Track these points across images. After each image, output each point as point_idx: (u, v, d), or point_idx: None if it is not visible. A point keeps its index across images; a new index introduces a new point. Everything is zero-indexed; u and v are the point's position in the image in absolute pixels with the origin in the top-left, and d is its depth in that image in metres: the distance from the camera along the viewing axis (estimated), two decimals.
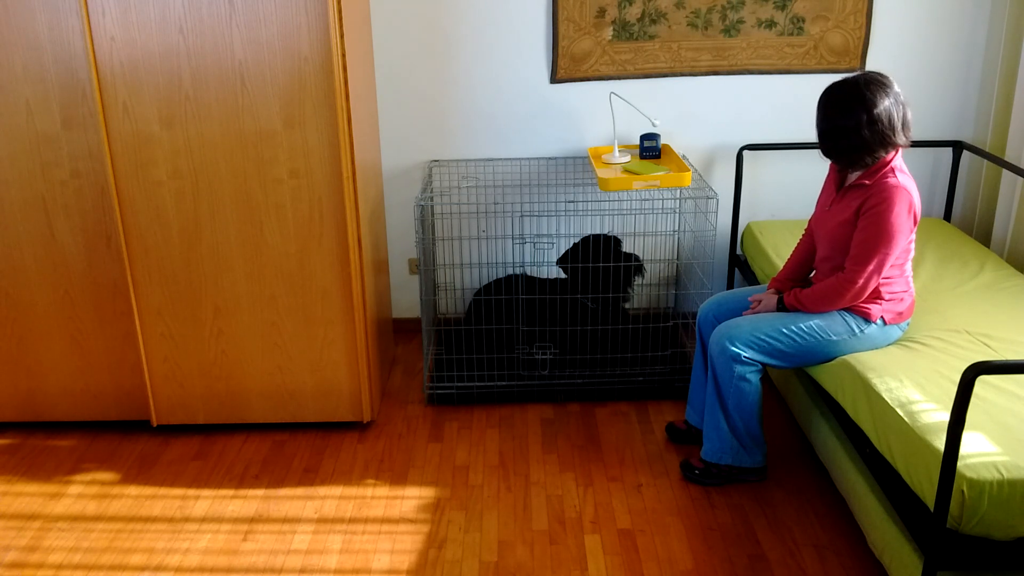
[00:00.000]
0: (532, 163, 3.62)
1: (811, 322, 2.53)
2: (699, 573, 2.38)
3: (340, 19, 2.63)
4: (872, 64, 3.50)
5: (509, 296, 3.43)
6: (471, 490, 2.76)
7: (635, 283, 3.47)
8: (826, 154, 2.48)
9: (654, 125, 3.33)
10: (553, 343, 3.38)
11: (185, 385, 3.02)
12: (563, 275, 3.47)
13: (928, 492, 1.99)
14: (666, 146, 3.43)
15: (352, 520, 2.63)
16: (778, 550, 2.47)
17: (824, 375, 2.55)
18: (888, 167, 2.41)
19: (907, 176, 2.43)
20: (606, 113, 3.51)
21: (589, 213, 3.64)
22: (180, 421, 3.07)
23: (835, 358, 2.52)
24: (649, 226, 3.64)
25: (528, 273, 3.61)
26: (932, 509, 1.95)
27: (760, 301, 2.71)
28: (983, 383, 2.22)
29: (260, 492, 2.78)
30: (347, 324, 2.94)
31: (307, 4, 2.58)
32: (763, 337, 2.55)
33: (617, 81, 3.51)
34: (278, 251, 2.86)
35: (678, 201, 3.55)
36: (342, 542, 2.54)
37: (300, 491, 2.78)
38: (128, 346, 3.01)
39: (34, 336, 3.01)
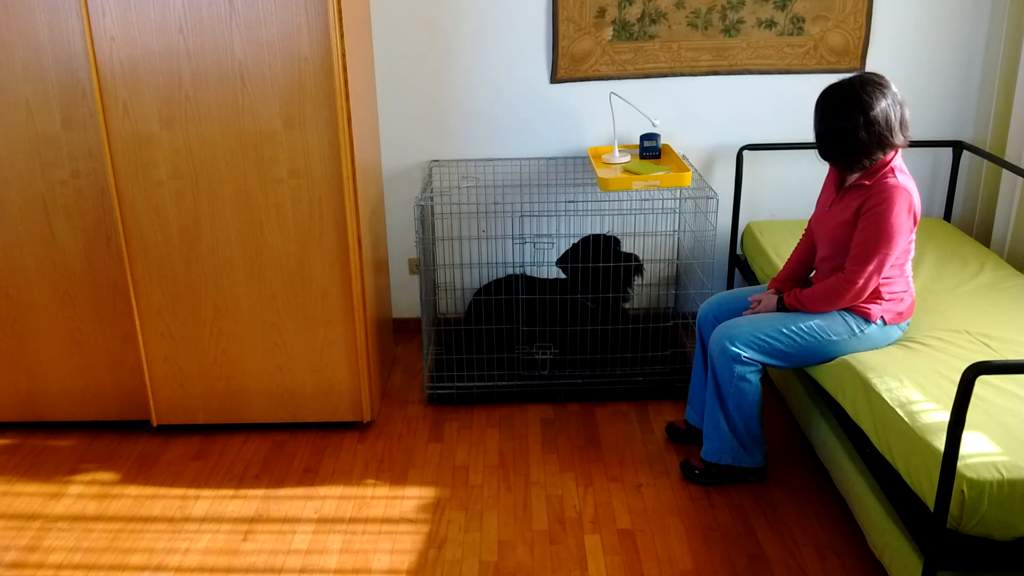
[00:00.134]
0: (532, 163, 3.62)
1: (811, 322, 2.53)
2: (699, 573, 2.38)
3: (340, 19, 2.63)
4: (872, 64, 3.50)
5: (509, 296, 3.43)
6: (471, 490, 2.76)
7: (635, 283, 3.47)
8: (824, 156, 2.48)
9: (654, 125, 3.33)
10: (553, 343, 3.38)
11: (185, 385, 3.02)
12: (563, 275, 3.47)
13: (928, 492, 1.99)
14: (666, 146, 3.43)
15: (352, 520, 2.63)
16: (778, 550, 2.47)
17: (824, 375, 2.55)
18: (888, 167, 2.41)
19: (907, 176, 2.43)
20: (606, 113, 3.51)
21: (589, 213, 3.64)
22: (180, 421, 3.07)
23: (835, 358, 2.52)
24: (649, 226, 3.64)
25: (528, 273, 3.61)
26: (932, 509, 1.95)
27: (760, 301, 2.71)
28: (983, 383, 2.22)
29: (260, 492, 2.78)
30: (347, 324, 2.94)
31: (307, 4, 2.58)
32: (763, 337, 2.55)
33: (617, 81, 3.51)
34: (278, 251, 2.86)
35: (678, 201, 3.55)
36: (342, 542, 2.54)
37: (300, 491, 2.78)
38: (128, 346, 3.01)
39: (34, 336, 3.01)
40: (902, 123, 2.38)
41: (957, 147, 3.55)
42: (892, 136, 2.37)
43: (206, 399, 3.04)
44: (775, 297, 2.67)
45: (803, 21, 3.43)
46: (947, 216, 3.63)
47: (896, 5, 3.43)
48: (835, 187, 2.58)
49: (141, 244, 2.85)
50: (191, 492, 2.78)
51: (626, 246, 3.61)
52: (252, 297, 2.91)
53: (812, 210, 2.92)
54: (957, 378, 1.90)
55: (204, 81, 2.66)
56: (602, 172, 3.20)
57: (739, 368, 2.57)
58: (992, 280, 2.92)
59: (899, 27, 3.46)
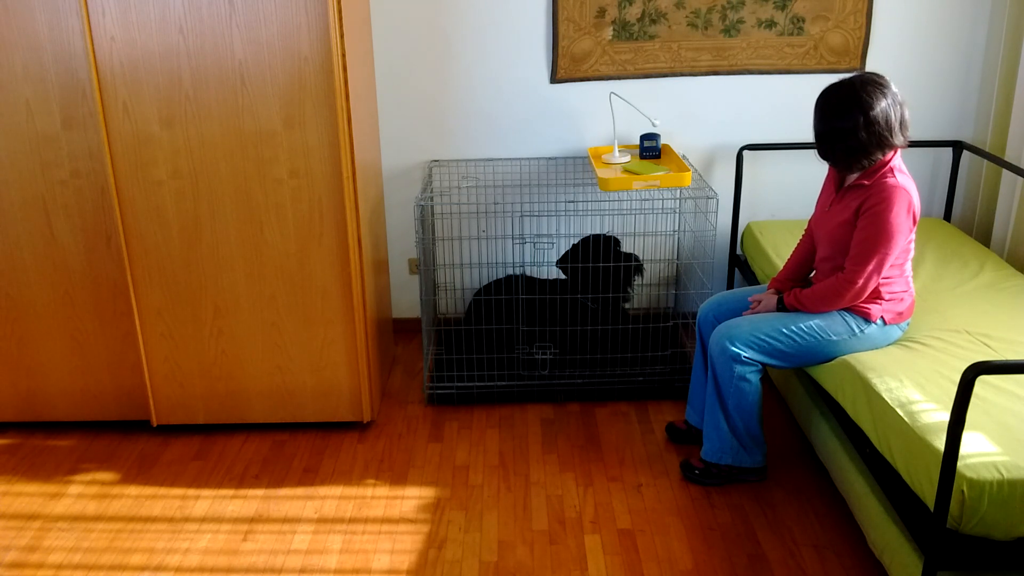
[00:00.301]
0: (532, 163, 3.62)
1: (811, 322, 2.53)
2: (699, 573, 2.38)
3: (340, 19, 2.63)
4: (872, 64, 3.50)
5: (509, 296, 3.43)
6: (471, 490, 2.76)
7: (635, 283, 3.47)
8: (823, 156, 2.48)
9: (654, 125, 3.33)
10: (553, 343, 3.38)
11: (185, 385, 3.02)
12: (563, 276, 3.47)
13: (928, 492, 1.99)
14: (666, 146, 3.43)
15: (352, 520, 2.63)
16: (778, 550, 2.47)
17: (824, 375, 2.55)
18: (887, 167, 2.41)
19: (906, 176, 2.43)
20: (606, 113, 3.51)
21: (589, 213, 3.64)
22: (180, 421, 3.07)
23: (835, 358, 2.52)
24: (649, 226, 3.64)
25: (528, 273, 3.61)
26: (932, 509, 1.95)
27: (760, 301, 2.71)
28: (983, 383, 2.22)
29: (260, 492, 2.78)
30: (347, 324, 2.94)
31: (307, 4, 2.58)
32: (763, 337, 2.55)
33: (617, 81, 3.51)
34: (278, 251, 2.86)
35: (678, 201, 3.55)
36: (342, 542, 2.54)
37: (300, 491, 2.78)
38: (128, 346, 3.01)
39: (34, 336, 3.01)
40: (902, 123, 2.38)
41: (957, 147, 3.55)
42: (892, 136, 2.37)
43: (206, 399, 3.04)
44: (775, 297, 2.67)
45: (803, 21, 3.43)
46: (947, 216, 3.63)
47: (896, 5, 3.43)
48: (835, 187, 2.58)
49: (141, 244, 2.85)
50: (191, 492, 2.78)
51: (626, 246, 3.61)
52: (252, 297, 2.91)
53: (812, 210, 2.92)
54: (957, 378, 1.90)
55: (204, 81, 2.66)
56: (602, 172, 3.20)
57: (739, 368, 2.57)
58: (992, 280, 2.92)
59: (899, 27, 3.46)
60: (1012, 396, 2.20)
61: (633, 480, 2.79)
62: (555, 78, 3.50)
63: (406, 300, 3.82)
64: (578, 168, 3.62)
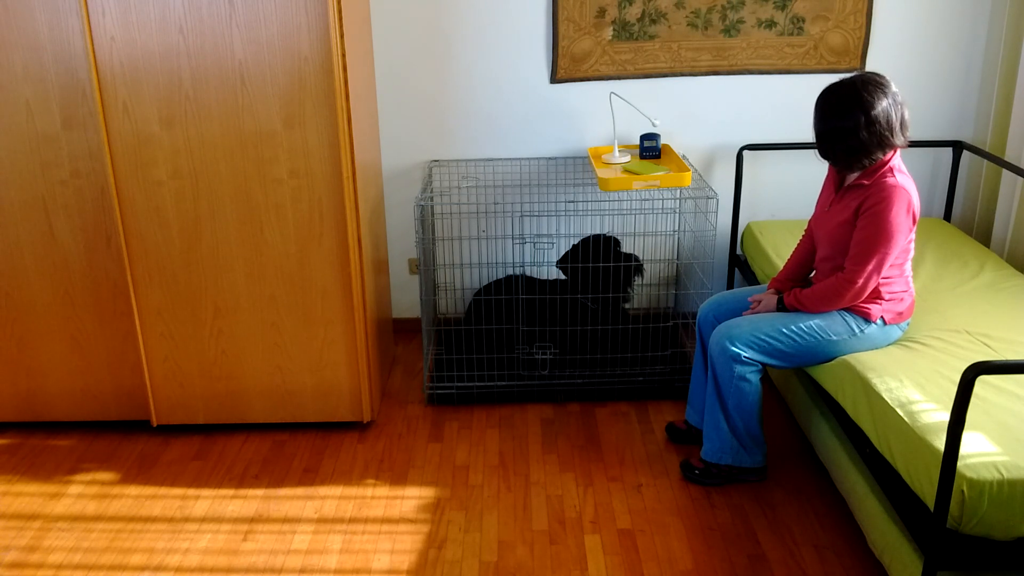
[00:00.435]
0: (532, 163, 3.62)
1: (811, 322, 2.53)
2: (699, 573, 2.38)
3: (340, 19, 2.63)
4: (872, 64, 3.50)
5: (509, 296, 3.43)
6: (471, 490, 2.76)
7: (635, 283, 3.47)
8: (823, 156, 2.48)
9: (654, 125, 3.33)
10: (553, 343, 3.38)
11: (185, 385, 3.02)
12: (563, 276, 3.47)
13: (928, 492, 1.99)
14: (666, 146, 3.43)
15: (352, 520, 2.63)
16: (778, 550, 2.47)
17: (824, 375, 2.55)
18: (887, 167, 2.41)
19: (906, 176, 2.43)
20: (606, 113, 3.51)
21: (589, 213, 3.64)
22: (180, 421, 3.07)
23: (835, 358, 2.52)
24: (649, 226, 3.64)
25: (528, 273, 3.61)
26: (932, 509, 1.95)
27: (760, 301, 2.71)
28: (983, 383, 2.22)
29: (260, 492, 2.78)
30: (347, 324, 2.94)
31: (307, 4, 2.58)
32: (763, 337, 2.55)
33: (617, 81, 3.51)
34: (278, 251, 2.86)
35: (678, 201, 3.55)
36: (342, 542, 2.54)
37: (300, 491, 2.78)
38: (128, 346, 3.01)
39: (34, 336, 3.01)
40: (902, 123, 2.39)
41: (957, 147, 3.55)
42: (893, 136, 2.37)
43: (206, 399, 3.04)
44: (775, 297, 2.67)
45: (803, 21, 3.43)
46: (947, 216, 3.63)
47: (896, 5, 3.43)
48: (834, 187, 2.58)
49: (141, 244, 2.85)
50: (191, 492, 2.78)
51: (626, 246, 3.61)
52: (252, 297, 2.91)
53: (812, 210, 2.92)
54: (957, 378, 1.90)
55: (204, 81, 2.66)
56: (602, 172, 3.20)
57: (739, 368, 2.57)
58: (992, 280, 2.92)
59: (899, 27, 3.46)
60: (1012, 396, 2.20)
61: (633, 480, 2.79)
62: (555, 78, 3.50)
63: (406, 300, 3.82)
64: (578, 168, 3.62)
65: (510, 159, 3.62)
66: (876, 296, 2.51)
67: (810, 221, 2.74)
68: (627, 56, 3.47)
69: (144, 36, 2.61)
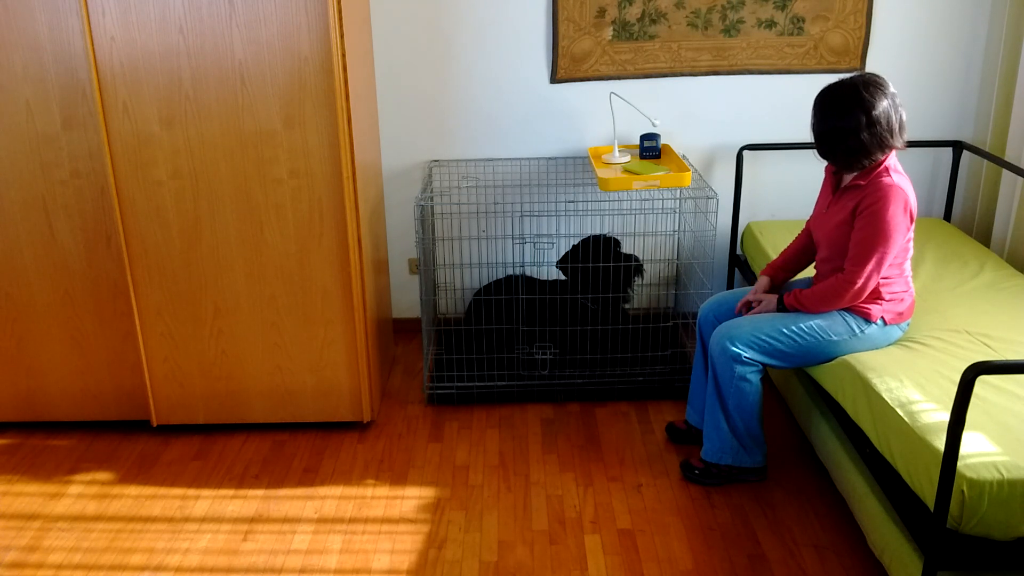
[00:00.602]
0: (532, 163, 3.62)
1: (811, 322, 2.53)
2: (699, 573, 2.38)
3: (340, 19, 2.63)
4: (872, 64, 3.50)
5: (509, 296, 3.43)
6: (471, 490, 2.76)
7: (635, 284, 3.47)
8: (823, 156, 2.48)
9: (654, 125, 3.33)
10: (553, 343, 3.38)
11: (185, 385, 3.02)
12: (563, 276, 3.47)
13: (928, 492, 1.99)
14: (666, 146, 3.43)
15: (352, 520, 2.63)
16: (778, 550, 2.47)
17: (824, 375, 2.55)
18: (882, 167, 2.42)
19: (902, 175, 2.43)
20: (606, 113, 3.51)
21: (589, 213, 3.64)
22: (180, 421, 3.07)
23: (835, 358, 2.52)
24: (649, 226, 3.64)
25: (528, 273, 3.61)
26: (932, 509, 1.95)
27: (760, 301, 2.71)
28: (983, 383, 2.23)
29: (260, 492, 2.78)
30: (347, 324, 2.94)
31: (307, 4, 2.58)
32: (763, 337, 2.55)
33: (617, 81, 3.51)
34: (278, 251, 2.86)
35: (678, 201, 3.55)
36: (342, 542, 2.54)
37: (300, 491, 2.78)
38: (128, 346, 3.01)
39: (34, 336, 3.01)
40: (901, 125, 2.39)
41: (957, 147, 3.55)
42: (893, 137, 2.38)
43: (206, 399, 3.04)
44: (775, 297, 2.67)
45: (803, 21, 3.43)
46: (947, 216, 3.63)
47: (896, 5, 3.43)
48: (831, 188, 2.59)
49: (141, 244, 2.85)
50: (191, 492, 2.78)
51: (626, 246, 3.61)
52: (252, 297, 2.91)
53: (812, 210, 2.92)
54: (957, 378, 1.90)
55: (204, 81, 2.66)
56: (602, 172, 3.20)
57: (739, 368, 2.57)
58: (992, 280, 2.92)
59: (899, 27, 3.46)
60: (1012, 396, 2.20)
61: (633, 480, 2.79)
62: (555, 78, 3.50)
63: (406, 300, 3.82)
64: (578, 168, 3.62)
65: (510, 159, 3.62)
66: (876, 296, 2.51)
67: (809, 220, 2.74)
68: (627, 56, 3.47)
69: (144, 36, 2.61)
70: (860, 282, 2.43)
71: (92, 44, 2.62)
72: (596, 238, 3.37)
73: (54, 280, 2.94)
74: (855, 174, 2.47)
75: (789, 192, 3.69)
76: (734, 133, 3.61)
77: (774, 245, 3.28)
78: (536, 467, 2.87)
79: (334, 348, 2.97)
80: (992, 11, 3.43)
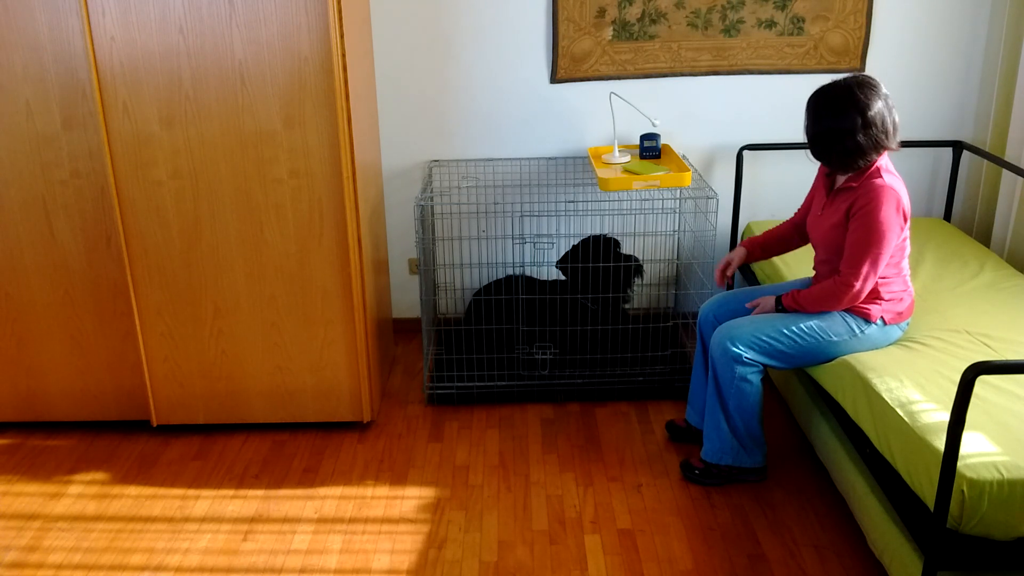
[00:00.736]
0: (532, 163, 3.62)
1: (812, 323, 2.53)
2: (699, 573, 2.38)
3: (340, 19, 2.63)
4: (872, 64, 3.50)
5: (509, 296, 3.43)
6: (471, 490, 2.76)
7: (635, 284, 3.47)
8: (817, 157, 2.48)
9: (654, 125, 3.33)
10: (553, 343, 3.37)
11: (185, 385, 3.02)
12: (563, 276, 3.47)
13: (928, 492, 1.99)
14: (666, 146, 3.43)
15: (352, 520, 2.63)
16: (778, 550, 2.47)
17: (824, 375, 2.55)
18: (874, 168, 2.42)
19: (893, 175, 2.43)
20: (606, 113, 3.51)
21: (589, 213, 3.64)
22: (180, 421, 3.07)
23: (836, 358, 2.52)
24: (649, 226, 3.64)
25: (528, 274, 3.61)
26: (932, 509, 1.95)
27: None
28: (983, 383, 2.22)
29: (260, 492, 2.78)
30: (347, 324, 2.94)
31: (307, 4, 2.58)
32: (764, 338, 2.55)
33: (617, 81, 3.51)
34: (278, 251, 2.86)
35: (678, 201, 3.55)
36: (342, 542, 2.54)
37: (300, 491, 2.78)
38: (128, 346, 3.01)
39: (34, 336, 3.01)
40: (895, 126, 2.40)
41: (957, 147, 3.55)
42: (888, 139, 2.38)
43: (206, 399, 3.04)
44: (772, 298, 2.67)
45: (803, 21, 3.43)
46: (947, 216, 3.63)
47: (896, 5, 3.43)
48: (826, 190, 2.59)
49: (141, 244, 2.85)
50: (191, 492, 2.78)
51: (626, 246, 3.61)
52: (252, 297, 2.91)
53: (800, 206, 2.95)
54: (957, 378, 1.90)
55: (204, 81, 2.66)
56: (602, 172, 3.20)
57: (740, 369, 2.57)
58: (992, 280, 2.92)
59: (899, 27, 3.46)
60: (1012, 396, 2.20)
61: (633, 480, 2.79)
62: (555, 78, 3.50)
63: (406, 300, 3.82)
64: (578, 168, 3.62)
65: (510, 159, 3.62)
66: (875, 297, 2.51)
67: (798, 213, 2.77)
68: (627, 56, 3.47)
69: (144, 36, 2.61)
70: (857, 284, 2.43)
71: (92, 44, 2.62)
72: (596, 238, 3.37)
73: (54, 280, 2.94)
74: (848, 176, 2.47)
75: (789, 192, 3.69)
76: (734, 133, 3.60)
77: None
78: (536, 467, 2.87)
79: (334, 348, 2.97)
80: (992, 11, 3.43)
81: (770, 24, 3.43)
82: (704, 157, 3.65)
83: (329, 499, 2.73)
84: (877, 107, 2.35)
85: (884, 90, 2.39)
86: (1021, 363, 1.95)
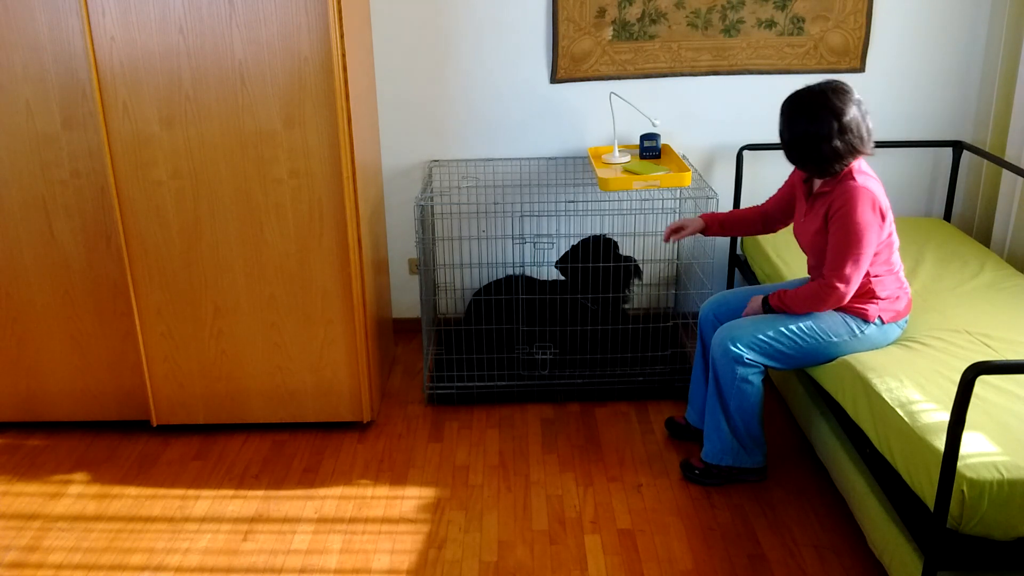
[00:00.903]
0: (532, 163, 3.62)
1: (812, 323, 2.53)
2: (699, 573, 2.38)
3: (340, 19, 2.63)
4: (872, 64, 3.50)
5: (509, 296, 3.43)
6: (471, 490, 2.76)
7: (633, 285, 3.46)
8: (793, 162, 2.49)
9: (654, 125, 3.33)
10: (553, 343, 3.37)
11: (185, 385, 3.02)
12: (562, 277, 3.47)
13: (928, 492, 1.99)
14: (666, 146, 3.43)
15: (352, 520, 2.63)
16: (778, 550, 2.47)
17: (824, 375, 2.55)
18: (847, 170, 2.43)
19: (867, 175, 2.44)
20: (606, 113, 3.51)
21: (589, 213, 3.64)
22: (180, 421, 3.07)
23: (836, 359, 2.52)
24: (649, 226, 3.64)
25: (528, 274, 3.61)
26: (932, 509, 1.95)
27: (680, 228, 2.83)
28: (983, 383, 2.23)
29: (260, 492, 2.78)
30: (347, 324, 2.94)
31: (307, 4, 2.58)
32: (764, 339, 2.55)
33: (617, 81, 3.51)
34: (278, 251, 2.86)
35: (678, 201, 3.55)
36: (342, 542, 2.54)
37: (300, 491, 2.78)
38: (128, 346, 3.01)
39: (34, 336, 3.01)
40: (868, 131, 2.41)
41: (957, 147, 3.55)
42: (863, 144, 2.39)
43: (206, 399, 3.04)
44: (760, 298, 2.67)
45: (803, 21, 3.43)
46: (947, 216, 3.63)
47: (896, 5, 3.43)
48: (804, 196, 2.60)
49: (141, 244, 2.85)
50: (191, 492, 2.78)
51: (626, 246, 3.61)
52: (252, 297, 2.91)
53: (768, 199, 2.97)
54: (957, 378, 1.90)
55: (204, 81, 2.66)
56: (602, 172, 3.20)
57: (741, 370, 2.57)
58: (992, 280, 2.92)
59: (899, 27, 3.46)
60: (1012, 396, 2.20)
61: (633, 480, 2.79)
62: (555, 78, 3.50)
63: (406, 300, 3.82)
64: (578, 168, 3.62)
65: (510, 159, 3.62)
66: (871, 296, 2.51)
67: (767, 201, 2.82)
68: (627, 56, 3.47)
69: (144, 36, 2.61)
70: (841, 286, 2.44)
71: (92, 44, 2.62)
72: (596, 239, 3.37)
73: (54, 280, 2.94)
74: (823, 181, 2.48)
75: None
76: (734, 133, 3.60)
77: (774, 245, 3.28)
78: (536, 467, 2.87)
79: (334, 348, 2.97)
80: (992, 11, 3.43)
81: (770, 24, 3.43)
82: (704, 157, 3.65)
83: (329, 499, 2.73)
84: (852, 112, 2.36)
85: (857, 96, 2.40)
86: (1021, 363, 1.95)
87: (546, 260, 3.63)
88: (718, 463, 2.71)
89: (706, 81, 3.53)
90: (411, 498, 2.73)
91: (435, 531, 2.57)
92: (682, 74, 3.51)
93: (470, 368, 3.36)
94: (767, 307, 2.62)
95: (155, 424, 3.07)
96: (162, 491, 2.79)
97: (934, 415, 2.10)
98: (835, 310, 2.55)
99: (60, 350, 3.02)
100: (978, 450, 1.96)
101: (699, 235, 3.36)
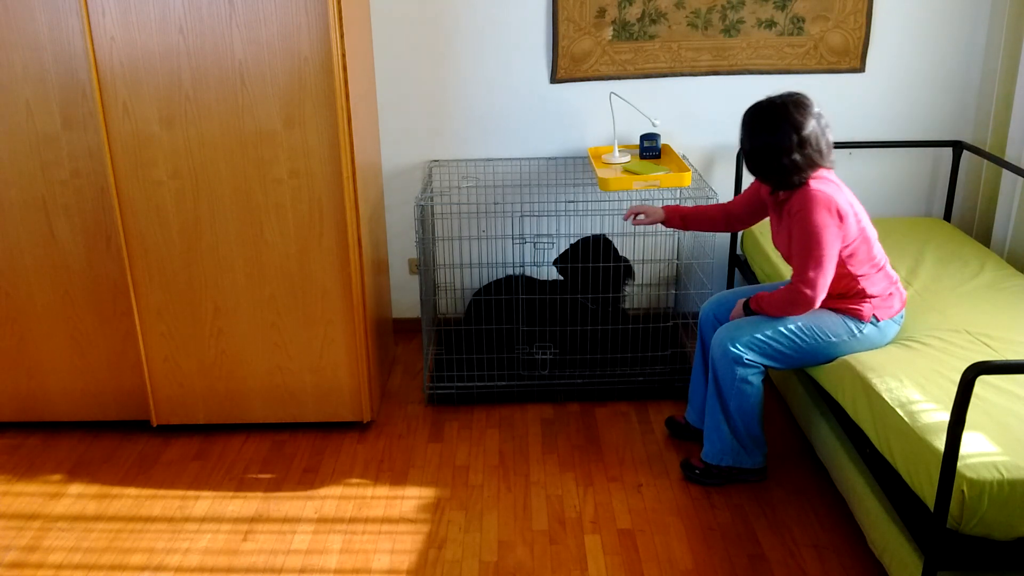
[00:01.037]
0: (532, 163, 3.62)
1: (811, 324, 2.53)
2: (699, 573, 2.38)
3: (340, 19, 2.63)
4: (872, 64, 3.50)
5: (509, 296, 3.43)
6: (471, 490, 2.76)
7: (626, 285, 3.46)
8: (753, 172, 2.50)
9: (654, 125, 3.33)
10: (553, 343, 3.37)
11: (185, 385, 3.02)
12: (561, 276, 3.47)
13: (928, 492, 1.99)
14: (666, 146, 3.43)
15: (352, 520, 2.63)
16: (778, 550, 2.47)
17: (824, 375, 2.55)
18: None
19: (822, 180, 2.45)
20: (606, 113, 3.51)
21: (589, 213, 3.64)
22: (180, 421, 3.07)
23: (836, 359, 2.52)
24: (649, 226, 3.64)
25: (528, 274, 3.61)
26: (932, 509, 1.95)
27: (643, 213, 2.87)
28: (983, 383, 2.23)
29: (260, 492, 2.78)
30: (347, 324, 2.94)
31: (307, 4, 2.58)
32: (764, 339, 2.55)
33: (617, 81, 3.51)
34: (278, 251, 2.86)
35: (678, 201, 3.54)
36: (342, 542, 2.54)
37: (300, 491, 2.78)
38: (128, 346, 3.01)
39: (34, 336, 3.01)
40: (828, 145, 2.44)
41: (957, 147, 3.55)
42: (822, 158, 2.42)
43: (206, 399, 3.04)
44: (743, 300, 2.68)
45: (803, 21, 3.43)
46: (947, 216, 3.63)
47: (896, 5, 3.43)
48: (773, 207, 2.61)
49: (141, 244, 2.85)
50: (191, 492, 2.78)
51: (626, 246, 3.61)
52: (252, 297, 2.91)
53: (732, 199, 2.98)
54: (957, 378, 1.90)
55: (204, 81, 2.66)
56: (602, 172, 3.20)
57: (741, 370, 2.58)
58: (992, 280, 2.92)
59: (899, 27, 3.46)
60: (1012, 396, 2.20)
61: (633, 480, 2.79)
62: (555, 78, 3.50)
63: (406, 300, 3.82)
64: (578, 168, 3.62)
65: (510, 159, 3.62)
66: (863, 297, 2.52)
67: (732, 200, 2.84)
68: (627, 56, 3.47)
69: (144, 36, 2.61)
70: (807, 291, 2.44)
71: (92, 44, 2.62)
72: (595, 238, 3.37)
73: (54, 280, 2.94)
74: (784, 192, 2.50)
75: None
76: (734, 133, 3.59)
77: (774, 245, 3.28)
78: (536, 467, 2.87)
79: (334, 348, 2.97)
80: (992, 11, 3.43)
81: (770, 24, 3.43)
82: (704, 157, 3.65)
83: (329, 499, 2.73)
84: (811, 126, 2.38)
85: (816, 109, 2.42)
86: (1021, 363, 1.95)
87: (546, 260, 3.63)
88: (718, 463, 2.71)
89: (706, 81, 3.53)
90: (411, 498, 2.73)
91: (435, 531, 2.57)
92: (682, 74, 3.51)
93: (470, 368, 3.36)
94: (748, 310, 2.63)
95: (155, 424, 3.07)
96: (162, 491, 2.79)
97: (934, 415, 2.10)
98: (832, 311, 2.55)
99: (60, 350, 3.02)
100: (978, 450, 1.96)
101: (698, 233, 3.37)
